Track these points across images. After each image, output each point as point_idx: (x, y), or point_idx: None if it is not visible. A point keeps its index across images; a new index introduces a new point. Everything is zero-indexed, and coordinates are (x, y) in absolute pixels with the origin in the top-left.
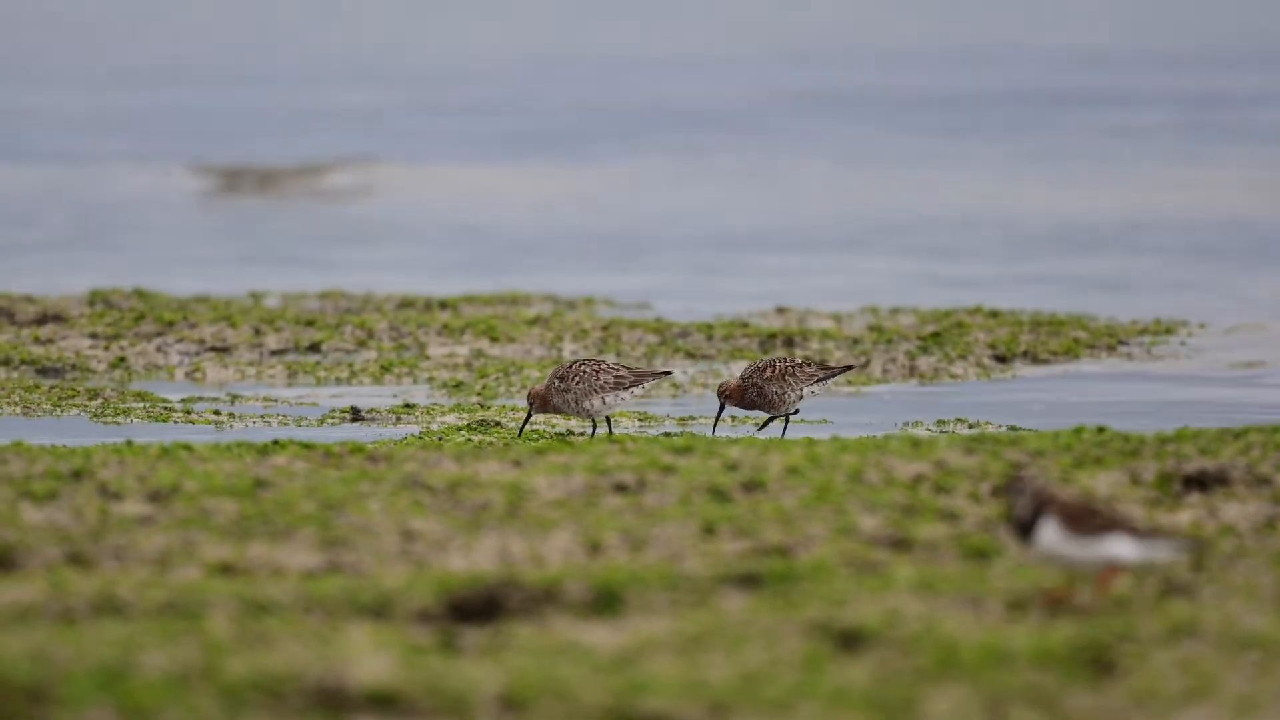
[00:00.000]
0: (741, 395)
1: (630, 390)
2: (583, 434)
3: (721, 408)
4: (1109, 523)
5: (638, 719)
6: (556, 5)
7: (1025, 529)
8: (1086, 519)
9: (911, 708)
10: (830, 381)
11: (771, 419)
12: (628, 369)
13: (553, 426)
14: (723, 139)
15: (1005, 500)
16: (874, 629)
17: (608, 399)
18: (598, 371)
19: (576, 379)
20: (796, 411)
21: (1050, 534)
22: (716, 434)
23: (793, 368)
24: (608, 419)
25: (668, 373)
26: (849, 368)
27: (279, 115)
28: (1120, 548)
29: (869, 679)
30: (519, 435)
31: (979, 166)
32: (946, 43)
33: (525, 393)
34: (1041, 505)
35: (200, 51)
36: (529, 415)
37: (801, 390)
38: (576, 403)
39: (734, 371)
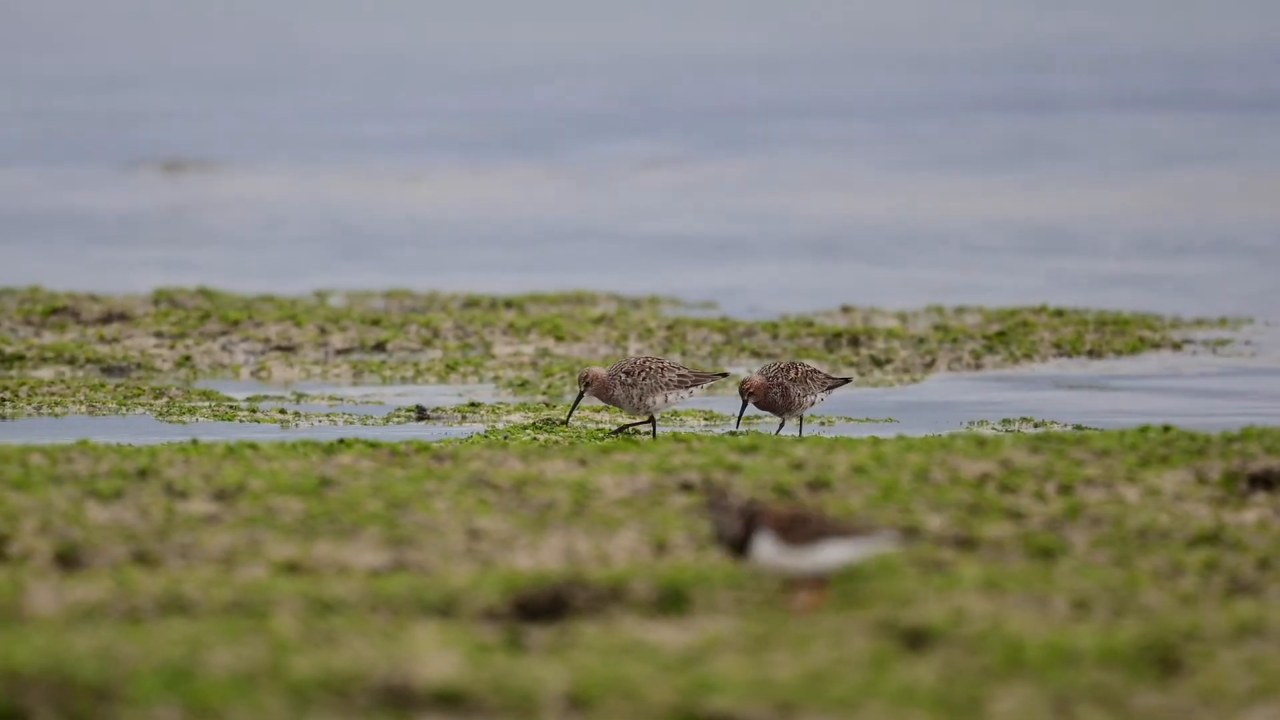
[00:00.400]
0: (765, 393)
1: (690, 389)
2: (648, 434)
3: (744, 404)
4: (820, 529)
5: (704, 718)
6: (607, 4)
7: (737, 546)
8: (798, 528)
9: (978, 707)
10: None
11: (782, 425)
12: (688, 369)
13: (617, 424)
14: (788, 139)
15: (708, 518)
16: (940, 628)
17: (669, 396)
18: (663, 369)
19: (643, 375)
20: (801, 419)
21: (767, 548)
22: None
23: (811, 372)
24: (675, 413)
25: (724, 374)
26: (847, 380)
27: (323, 114)
28: (835, 551)
29: (935, 678)
30: (567, 420)
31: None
32: (986, 45)
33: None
34: (752, 521)
35: (217, 51)
36: (580, 396)
37: (816, 395)
38: (640, 398)
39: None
